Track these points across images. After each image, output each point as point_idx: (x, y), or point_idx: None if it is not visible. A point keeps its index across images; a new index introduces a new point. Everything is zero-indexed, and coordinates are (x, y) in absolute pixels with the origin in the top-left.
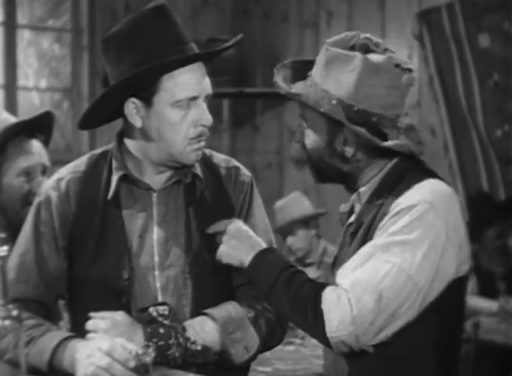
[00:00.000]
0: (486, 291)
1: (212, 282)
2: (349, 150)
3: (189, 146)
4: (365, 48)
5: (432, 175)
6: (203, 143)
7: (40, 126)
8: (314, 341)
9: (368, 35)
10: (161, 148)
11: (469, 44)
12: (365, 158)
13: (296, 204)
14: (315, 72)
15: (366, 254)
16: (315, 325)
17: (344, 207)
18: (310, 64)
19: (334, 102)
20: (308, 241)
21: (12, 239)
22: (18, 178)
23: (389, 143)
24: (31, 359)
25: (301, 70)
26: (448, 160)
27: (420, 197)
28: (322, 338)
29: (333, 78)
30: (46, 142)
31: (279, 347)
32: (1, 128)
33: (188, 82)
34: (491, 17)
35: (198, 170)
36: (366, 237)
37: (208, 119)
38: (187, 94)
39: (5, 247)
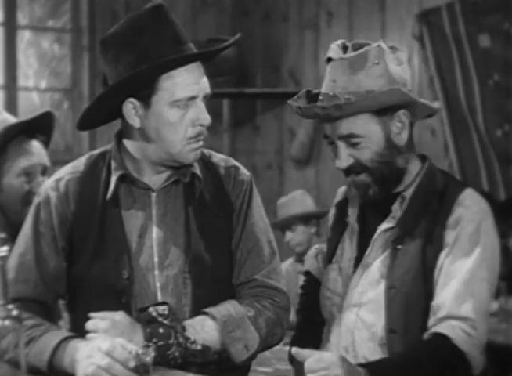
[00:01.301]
0: None
1: (212, 281)
2: (404, 136)
3: (187, 146)
4: (357, 45)
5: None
6: (201, 143)
7: (40, 126)
8: None
9: (342, 40)
10: (160, 148)
11: (469, 44)
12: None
13: (298, 200)
14: (343, 87)
15: (464, 278)
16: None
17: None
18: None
19: (384, 89)
20: (306, 238)
21: (12, 239)
22: (18, 179)
23: (438, 106)
24: (31, 359)
25: (315, 98)
26: (449, 161)
27: (479, 213)
28: None
29: (364, 80)
30: (46, 143)
31: (279, 347)
32: (1, 128)
33: (186, 82)
34: (491, 18)
35: (197, 169)
36: (426, 247)
37: (206, 118)
38: (185, 94)
39: (5, 247)
